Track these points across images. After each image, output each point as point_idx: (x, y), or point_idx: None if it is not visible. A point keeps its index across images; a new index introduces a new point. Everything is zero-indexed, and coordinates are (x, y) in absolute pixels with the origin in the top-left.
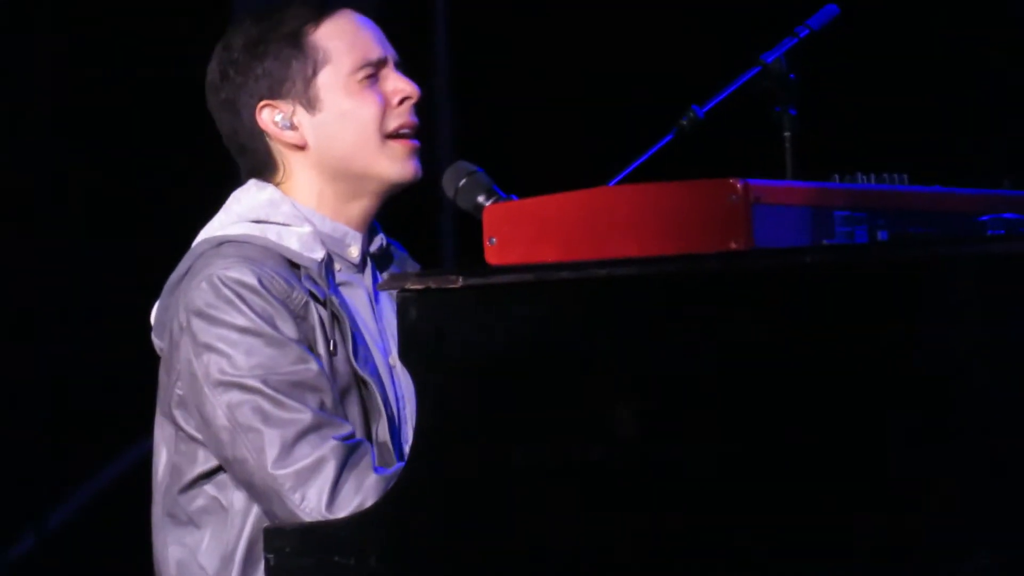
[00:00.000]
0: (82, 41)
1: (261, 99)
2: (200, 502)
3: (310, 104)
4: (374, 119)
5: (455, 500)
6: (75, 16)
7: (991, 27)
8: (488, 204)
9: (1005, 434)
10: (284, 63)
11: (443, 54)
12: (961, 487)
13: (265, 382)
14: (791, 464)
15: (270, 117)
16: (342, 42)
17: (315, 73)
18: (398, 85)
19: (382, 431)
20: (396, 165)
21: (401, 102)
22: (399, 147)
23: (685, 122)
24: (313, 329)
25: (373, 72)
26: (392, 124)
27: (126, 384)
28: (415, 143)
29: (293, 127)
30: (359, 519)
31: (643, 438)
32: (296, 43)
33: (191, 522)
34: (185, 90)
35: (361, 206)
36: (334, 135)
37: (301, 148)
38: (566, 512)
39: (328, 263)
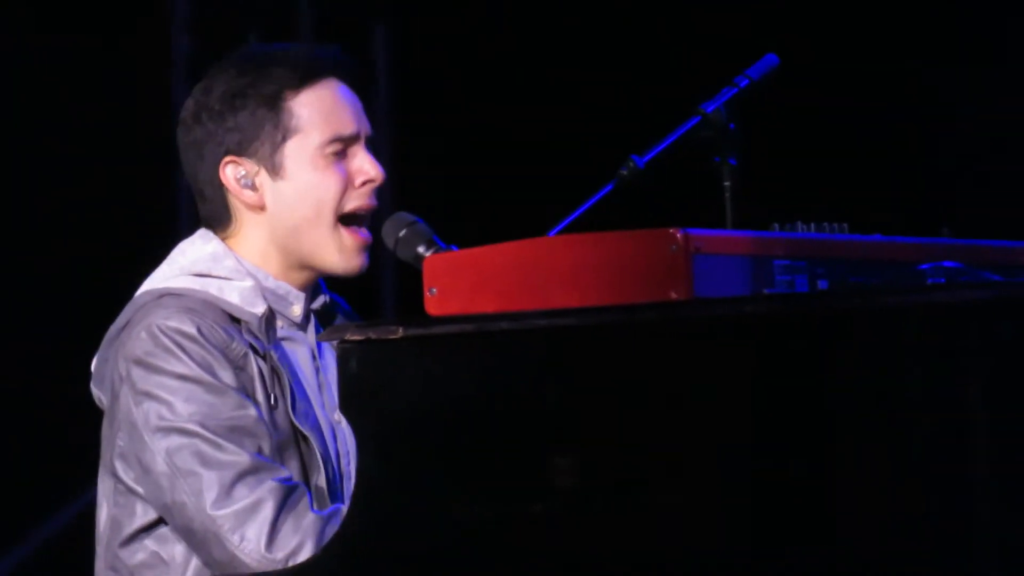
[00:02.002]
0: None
1: (227, 153)
2: (140, 556)
3: (274, 169)
4: (333, 197)
5: (395, 552)
6: None
7: (931, 78)
8: (428, 255)
9: (946, 482)
10: (257, 123)
11: (383, 105)
12: (900, 532)
13: (204, 426)
14: (734, 514)
15: (233, 173)
16: (318, 113)
17: (284, 140)
18: (364, 166)
19: (321, 483)
20: (343, 259)
21: (363, 184)
22: (350, 241)
23: (625, 172)
24: (252, 380)
25: (342, 148)
26: (350, 205)
27: (69, 434)
28: (366, 238)
29: (254, 188)
30: (300, 569)
31: (583, 489)
32: (273, 105)
33: None
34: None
35: (304, 275)
36: (292, 205)
37: (258, 209)
38: (507, 566)
39: (269, 318)
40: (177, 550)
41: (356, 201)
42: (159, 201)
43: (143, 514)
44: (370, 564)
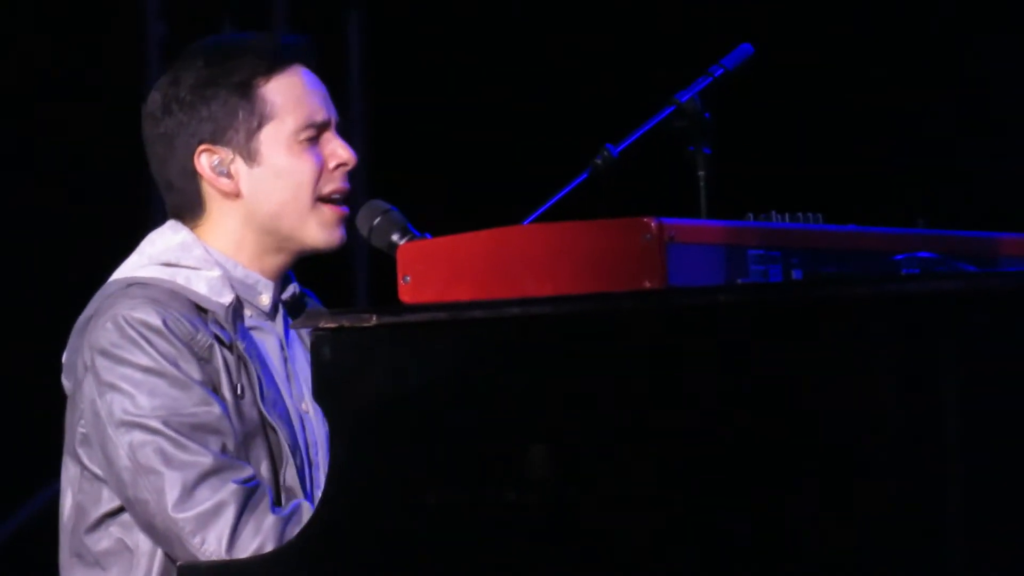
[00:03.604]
0: None
1: (201, 142)
2: (105, 543)
3: (249, 156)
4: (309, 181)
5: (369, 540)
6: None
7: (906, 67)
8: (402, 243)
9: (918, 476)
10: (231, 111)
11: (357, 91)
12: (871, 524)
13: (167, 423)
14: (704, 503)
15: (208, 162)
16: (290, 99)
17: (259, 127)
18: (337, 150)
19: (290, 476)
20: (323, 231)
21: (336, 167)
22: (329, 213)
23: (599, 161)
24: (218, 372)
25: (315, 134)
26: (326, 188)
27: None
28: (344, 210)
29: (229, 175)
30: (273, 557)
31: (556, 477)
32: (245, 93)
33: (97, 564)
34: None
35: (278, 260)
36: (269, 190)
37: (233, 197)
38: (480, 553)
39: (237, 308)
40: (142, 538)
41: (331, 184)
42: (132, 189)
43: (109, 500)
44: (344, 552)
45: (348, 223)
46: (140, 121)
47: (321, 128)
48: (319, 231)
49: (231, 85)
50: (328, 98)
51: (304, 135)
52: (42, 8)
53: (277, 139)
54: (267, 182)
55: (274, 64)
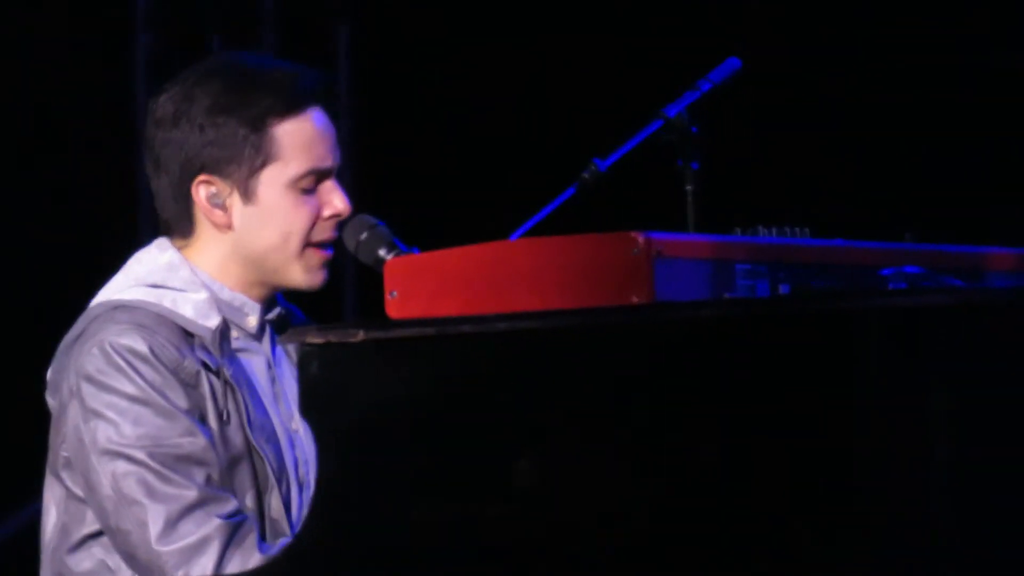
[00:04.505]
0: None
1: (203, 169)
2: (87, 564)
3: (246, 193)
4: (301, 230)
5: (357, 555)
6: None
7: (892, 82)
8: (389, 258)
9: (907, 487)
10: (238, 144)
11: (345, 106)
12: (858, 536)
13: (151, 455)
14: (692, 516)
15: (205, 192)
16: (298, 144)
17: (263, 166)
18: (333, 200)
19: (275, 503)
20: (307, 275)
21: (330, 216)
22: (315, 257)
23: (587, 175)
24: (204, 398)
25: (315, 182)
26: (316, 237)
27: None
28: (329, 253)
29: (224, 208)
30: (259, 574)
31: (545, 492)
32: (257, 129)
33: None
34: None
35: (262, 289)
36: (259, 230)
37: (224, 228)
38: (469, 569)
39: (224, 330)
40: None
41: (322, 234)
42: (119, 201)
43: (92, 521)
44: (332, 568)
45: (336, 250)
46: (129, 132)
47: (322, 176)
48: (303, 275)
49: (244, 118)
50: (335, 143)
51: (304, 183)
52: (28, 18)
53: (277, 182)
54: (259, 222)
55: (292, 104)
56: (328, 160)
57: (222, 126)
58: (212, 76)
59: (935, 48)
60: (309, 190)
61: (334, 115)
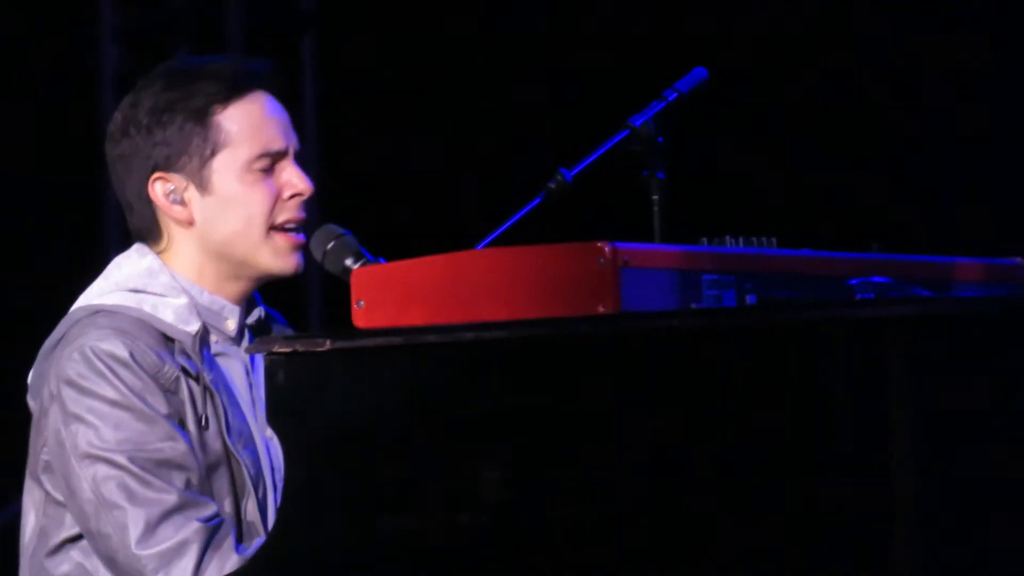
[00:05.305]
0: None
1: (156, 168)
2: (66, 568)
3: (202, 184)
4: (262, 212)
5: (324, 564)
6: None
7: (859, 92)
8: (356, 267)
9: (873, 496)
10: (185, 138)
11: (311, 114)
12: (823, 545)
13: (132, 459)
14: (660, 523)
15: (162, 189)
16: (246, 128)
17: (213, 155)
18: (292, 180)
19: (251, 508)
20: (278, 259)
21: (291, 197)
22: (283, 241)
23: (553, 185)
24: (183, 403)
25: (270, 163)
26: (280, 218)
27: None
28: (299, 238)
29: (183, 203)
30: None
31: (511, 501)
32: (201, 120)
33: None
34: None
35: (240, 285)
36: (220, 219)
37: (187, 224)
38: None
39: (203, 335)
40: (102, 564)
41: (285, 214)
42: (86, 213)
43: (71, 525)
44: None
45: (304, 249)
46: (95, 144)
47: (277, 157)
48: (272, 259)
49: (188, 111)
50: (288, 125)
51: (258, 165)
52: None
53: (230, 168)
54: (219, 211)
55: (233, 90)
56: (279, 142)
57: (168, 123)
58: (155, 79)
59: (900, 58)
60: (266, 171)
61: (283, 99)
